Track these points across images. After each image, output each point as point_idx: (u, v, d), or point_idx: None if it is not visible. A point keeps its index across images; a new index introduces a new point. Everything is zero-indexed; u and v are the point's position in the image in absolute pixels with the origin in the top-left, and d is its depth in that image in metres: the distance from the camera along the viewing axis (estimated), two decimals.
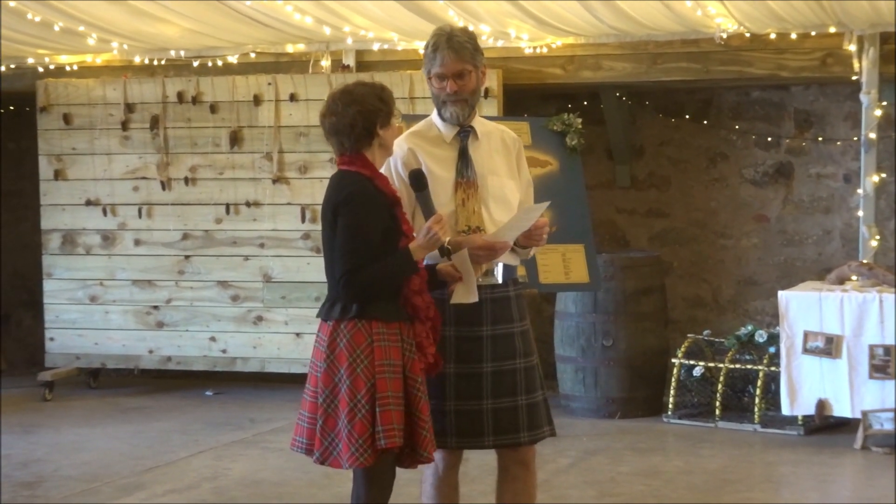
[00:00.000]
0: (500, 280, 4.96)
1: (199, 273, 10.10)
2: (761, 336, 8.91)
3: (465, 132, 5.02)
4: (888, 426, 8.04)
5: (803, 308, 8.35)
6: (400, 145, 4.95)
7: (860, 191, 9.12)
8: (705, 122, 10.50)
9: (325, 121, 4.74)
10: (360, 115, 4.67)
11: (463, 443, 4.94)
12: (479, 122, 5.07)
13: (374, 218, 4.60)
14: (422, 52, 5.09)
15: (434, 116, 5.09)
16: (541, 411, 5.04)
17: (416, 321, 4.68)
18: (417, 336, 4.68)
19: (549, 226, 5.06)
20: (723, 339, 9.20)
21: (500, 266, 4.96)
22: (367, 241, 4.58)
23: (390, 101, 4.74)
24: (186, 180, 10.07)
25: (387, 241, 4.63)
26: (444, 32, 4.99)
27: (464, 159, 4.98)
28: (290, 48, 9.99)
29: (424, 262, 4.81)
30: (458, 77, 4.94)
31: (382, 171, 4.84)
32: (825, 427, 8.57)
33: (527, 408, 4.97)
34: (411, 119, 5.28)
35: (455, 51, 4.92)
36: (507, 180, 5.05)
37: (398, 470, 4.79)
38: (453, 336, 4.91)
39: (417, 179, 4.82)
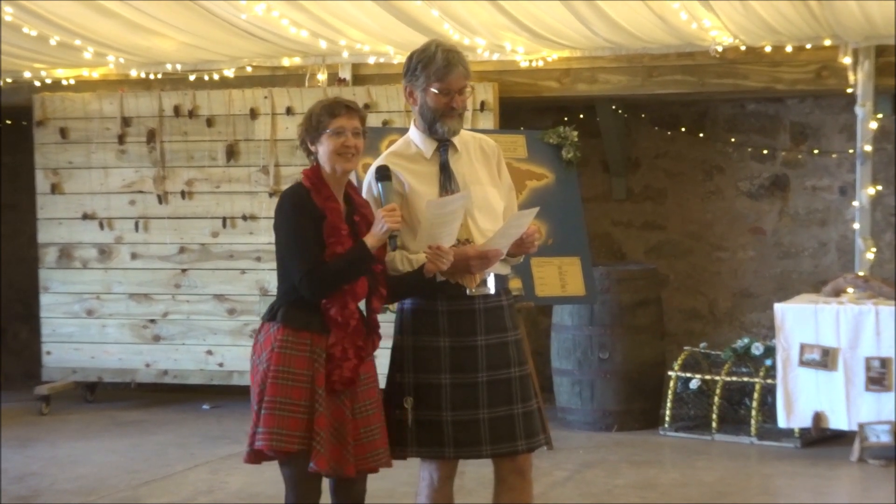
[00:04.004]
0: (492, 290, 4.97)
1: (195, 286, 10.10)
2: (757, 348, 8.91)
3: (444, 146, 5.02)
4: (885, 438, 8.04)
5: (799, 320, 8.35)
6: (377, 165, 4.97)
7: (856, 203, 9.12)
8: (701, 134, 10.51)
9: None
10: (298, 130, 4.90)
11: (461, 452, 4.93)
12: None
13: (303, 224, 4.72)
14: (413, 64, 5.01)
15: (412, 133, 5.07)
16: (536, 419, 5.04)
17: (331, 333, 4.74)
18: (330, 348, 4.72)
19: (539, 233, 5.08)
20: (719, 352, 9.19)
21: (492, 276, 4.96)
22: (306, 243, 4.71)
23: (318, 117, 4.79)
24: (183, 194, 10.07)
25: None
26: (451, 48, 4.98)
27: (446, 173, 4.98)
28: (286, 62, 10.01)
29: (408, 268, 4.88)
30: (461, 93, 4.96)
31: (364, 193, 4.97)
32: (822, 439, 8.56)
33: (523, 416, 4.97)
34: (405, 132, 5.26)
35: (465, 67, 4.96)
36: (490, 188, 5.06)
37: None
38: (448, 346, 4.92)
39: (380, 171, 4.90)
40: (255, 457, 4.82)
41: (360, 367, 4.78)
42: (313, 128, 4.79)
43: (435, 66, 4.91)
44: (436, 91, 4.92)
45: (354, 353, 4.75)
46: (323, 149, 4.79)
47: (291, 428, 4.67)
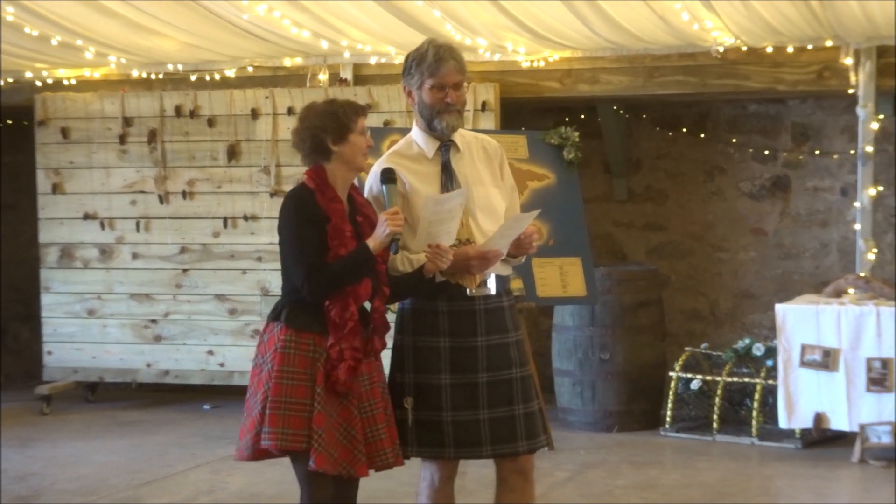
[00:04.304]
0: (493, 291, 4.97)
1: (196, 287, 10.10)
2: (759, 349, 8.91)
3: (445, 146, 5.03)
4: (886, 439, 8.04)
5: (800, 321, 8.35)
6: (381, 166, 4.97)
7: (857, 204, 9.12)
8: (702, 135, 10.51)
9: (291, 136, 4.95)
10: (308, 132, 4.82)
11: (461, 453, 4.94)
12: (458, 135, 5.07)
13: (305, 226, 4.74)
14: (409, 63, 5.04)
15: (414, 133, 5.09)
16: (537, 421, 5.04)
17: (329, 334, 4.75)
18: (329, 349, 4.75)
19: (538, 234, 5.08)
20: (720, 353, 9.19)
21: (493, 277, 4.96)
22: (309, 245, 4.72)
23: (346, 117, 4.79)
24: (184, 194, 10.08)
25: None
26: (443, 43, 5.00)
27: (447, 173, 4.99)
28: (287, 62, 10.01)
29: (409, 269, 4.89)
30: (456, 88, 4.97)
31: (365, 194, 4.98)
32: (823, 440, 8.56)
33: (524, 417, 4.97)
34: (406, 132, 5.28)
35: (458, 61, 4.97)
36: (492, 189, 5.07)
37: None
38: (448, 346, 4.92)
39: (385, 173, 4.90)
40: (254, 455, 4.82)
41: (357, 369, 4.77)
42: (340, 126, 4.78)
43: (427, 63, 4.94)
44: (430, 87, 4.94)
45: (351, 355, 4.75)
46: (350, 148, 4.79)
47: (296, 427, 4.69)
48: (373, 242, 4.75)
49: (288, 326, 4.76)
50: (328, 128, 4.78)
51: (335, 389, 4.73)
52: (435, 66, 4.92)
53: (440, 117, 4.98)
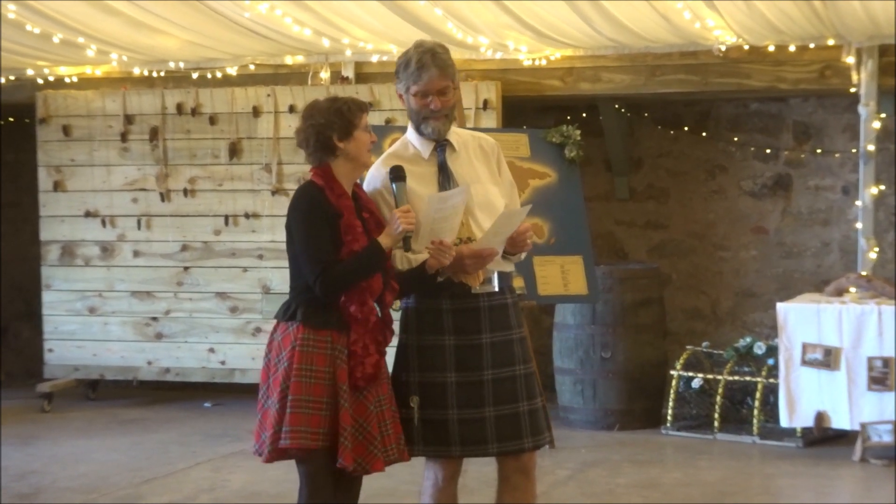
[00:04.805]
0: (496, 288, 4.97)
1: (197, 284, 10.10)
2: (760, 348, 8.91)
3: (441, 146, 5.02)
4: (887, 438, 8.04)
5: (802, 320, 8.35)
6: (378, 169, 4.99)
7: (858, 203, 9.12)
8: (704, 134, 10.51)
9: (295, 135, 4.95)
10: (313, 129, 4.83)
11: (467, 451, 4.93)
12: (453, 134, 5.06)
13: (317, 223, 4.74)
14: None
15: (409, 134, 5.08)
16: (541, 417, 5.05)
17: (350, 330, 4.76)
18: (352, 345, 4.75)
19: (532, 231, 5.08)
20: (721, 351, 9.19)
21: (496, 274, 4.97)
22: (321, 242, 4.73)
23: (350, 113, 4.81)
24: (185, 192, 10.08)
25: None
26: (427, 49, 4.96)
27: (444, 173, 4.99)
28: (289, 60, 10.01)
29: (412, 266, 4.89)
30: (442, 94, 4.95)
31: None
32: (824, 439, 8.56)
33: (528, 414, 4.97)
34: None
35: (440, 68, 4.93)
36: (490, 186, 5.07)
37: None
38: (452, 344, 4.92)
39: (395, 171, 4.90)
40: (277, 455, 4.81)
41: (381, 362, 4.80)
42: (346, 123, 4.80)
43: (410, 69, 4.93)
44: (414, 93, 4.94)
45: (375, 349, 4.79)
46: (355, 144, 4.82)
47: (314, 425, 4.70)
48: (386, 239, 4.78)
49: (305, 325, 4.75)
50: (334, 125, 4.79)
51: (357, 385, 4.75)
52: (417, 73, 4.91)
53: (426, 123, 4.98)
